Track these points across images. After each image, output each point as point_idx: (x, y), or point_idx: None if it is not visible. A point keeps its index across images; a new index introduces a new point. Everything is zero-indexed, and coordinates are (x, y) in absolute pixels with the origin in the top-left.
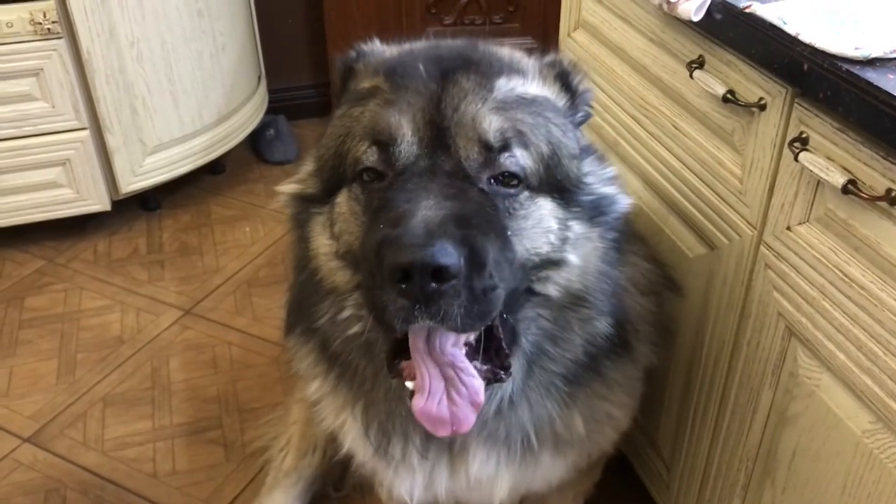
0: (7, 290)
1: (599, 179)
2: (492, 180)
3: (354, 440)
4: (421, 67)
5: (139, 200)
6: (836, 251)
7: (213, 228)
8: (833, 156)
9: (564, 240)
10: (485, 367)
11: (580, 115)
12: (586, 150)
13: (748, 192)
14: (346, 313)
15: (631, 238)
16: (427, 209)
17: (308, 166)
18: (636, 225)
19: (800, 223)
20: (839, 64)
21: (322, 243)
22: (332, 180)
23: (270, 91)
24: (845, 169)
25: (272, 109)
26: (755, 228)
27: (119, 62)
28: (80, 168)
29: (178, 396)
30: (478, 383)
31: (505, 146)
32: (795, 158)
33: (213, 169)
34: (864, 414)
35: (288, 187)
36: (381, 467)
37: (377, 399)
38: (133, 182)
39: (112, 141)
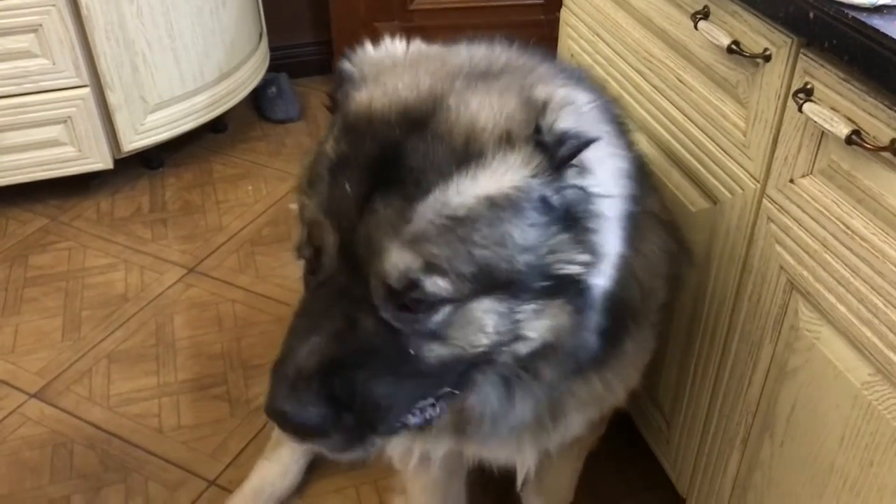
0: (11, 249)
1: (566, 262)
2: (399, 309)
3: None
4: (347, 187)
5: (141, 159)
6: (838, 203)
7: (216, 187)
8: (838, 106)
9: (515, 322)
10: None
11: (562, 155)
12: (562, 221)
13: (751, 145)
14: None
15: (647, 222)
16: (311, 350)
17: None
18: (655, 204)
19: (803, 176)
20: (845, 11)
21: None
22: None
23: (272, 48)
24: (850, 119)
25: (274, 67)
26: (758, 182)
27: (119, 18)
28: (81, 126)
29: (182, 353)
30: None
31: (410, 286)
32: (800, 109)
33: (215, 127)
34: (863, 366)
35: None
36: None
37: None
38: (135, 140)
39: (113, 98)
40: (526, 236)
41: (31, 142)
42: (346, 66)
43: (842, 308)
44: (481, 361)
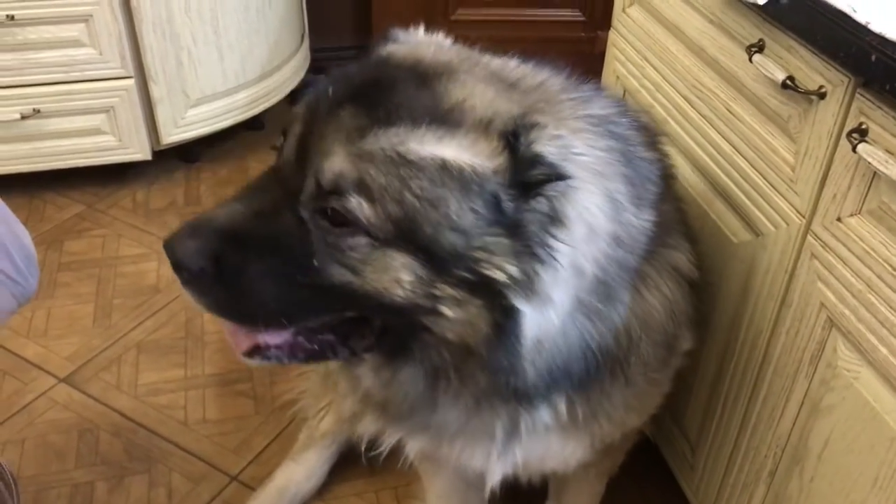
0: (48, 233)
1: (495, 266)
2: (319, 214)
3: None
4: (330, 89)
5: (179, 152)
6: (886, 245)
7: None
8: (893, 149)
9: (430, 296)
10: (328, 338)
11: (530, 175)
12: (508, 229)
13: (800, 181)
14: None
15: (659, 277)
16: (226, 213)
17: None
18: (679, 259)
19: (851, 215)
20: None
21: None
22: None
23: (313, 50)
24: None
25: (314, 69)
26: (804, 217)
27: (167, 12)
28: (123, 116)
29: (210, 347)
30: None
31: (335, 191)
32: (853, 150)
33: (253, 125)
34: None
35: None
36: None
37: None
38: (174, 133)
39: (156, 91)
40: (461, 216)
41: (74, 129)
42: (394, 30)
43: (884, 350)
44: (399, 316)
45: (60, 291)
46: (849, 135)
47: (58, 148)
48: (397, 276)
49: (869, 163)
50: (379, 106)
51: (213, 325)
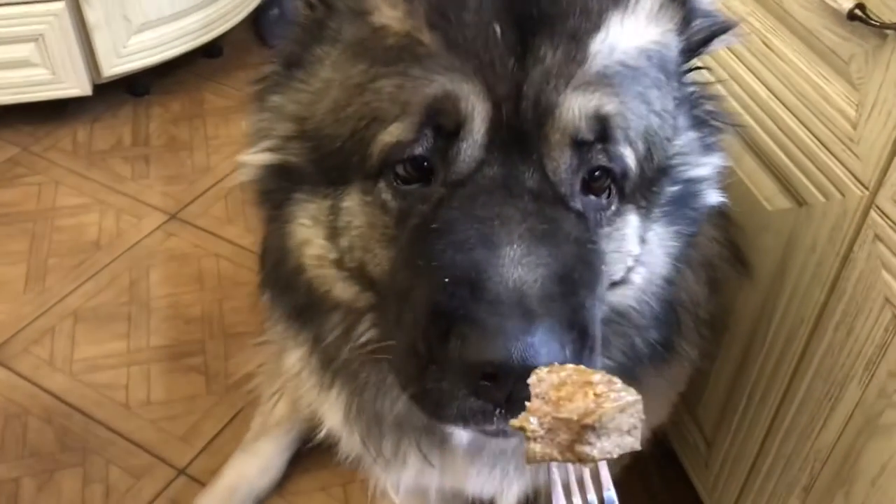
0: None
1: (693, 163)
2: (584, 188)
3: (336, 426)
4: (496, 27)
5: (126, 84)
6: None
7: (206, 120)
8: None
9: (637, 257)
10: None
11: (696, 27)
12: (688, 116)
13: (863, 141)
14: (362, 337)
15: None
16: (517, 263)
17: (282, 124)
18: None
19: None
20: None
21: (312, 243)
22: (338, 168)
23: None
24: None
25: None
26: (866, 188)
27: None
28: (54, 46)
29: (157, 315)
30: None
31: (604, 135)
32: None
33: (209, 52)
34: None
35: (258, 157)
36: (366, 460)
37: (368, 400)
38: (117, 64)
39: (92, 16)
40: (668, 121)
41: None
42: None
43: None
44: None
45: None
46: None
47: None
48: (629, 248)
49: None
50: (567, 12)
51: (160, 289)
